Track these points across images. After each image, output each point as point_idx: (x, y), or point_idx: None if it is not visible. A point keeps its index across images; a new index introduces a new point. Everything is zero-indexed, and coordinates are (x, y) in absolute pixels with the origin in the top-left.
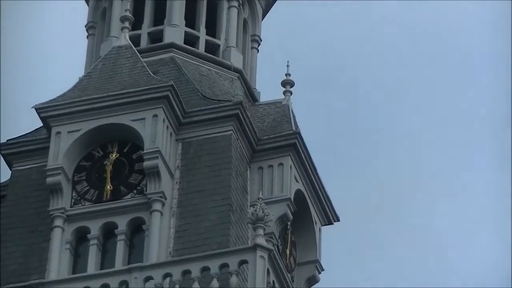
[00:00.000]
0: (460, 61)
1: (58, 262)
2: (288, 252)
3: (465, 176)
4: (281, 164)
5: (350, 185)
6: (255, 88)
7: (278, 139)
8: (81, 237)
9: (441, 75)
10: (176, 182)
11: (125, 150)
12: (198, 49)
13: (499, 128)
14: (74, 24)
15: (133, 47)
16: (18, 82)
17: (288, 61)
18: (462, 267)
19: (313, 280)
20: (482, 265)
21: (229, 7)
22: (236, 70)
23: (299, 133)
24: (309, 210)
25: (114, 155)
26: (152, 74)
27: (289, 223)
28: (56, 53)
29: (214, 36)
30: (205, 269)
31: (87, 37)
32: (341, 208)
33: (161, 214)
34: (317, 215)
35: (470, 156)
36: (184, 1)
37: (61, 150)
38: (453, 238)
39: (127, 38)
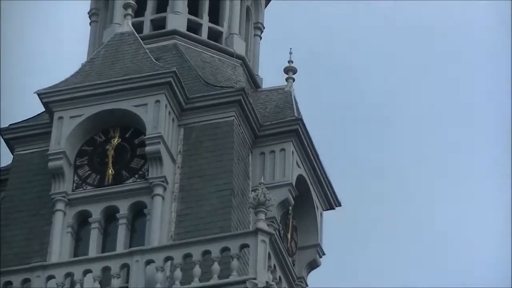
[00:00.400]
0: (460, 59)
1: (59, 245)
2: (289, 236)
3: (466, 162)
4: (283, 149)
5: (352, 171)
6: (258, 75)
7: (280, 125)
8: (83, 220)
9: (443, 75)
10: (178, 167)
11: (127, 135)
12: (201, 36)
13: (499, 125)
14: (77, 10)
15: (136, 34)
16: (21, 68)
17: (290, 48)
18: (461, 253)
19: (314, 264)
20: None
21: None
22: (238, 57)
23: (301, 119)
24: (311, 195)
25: (116, 140)
26: (154, 61)
27: (290, 208)
28: (59, 39)
29: (217, 23)
30: (206, 253)
31: (90, 23)
32: (343, 193)
33: (163, 198)
34: (319, 200)
35: (471, 147)
36: None
37: (63, 135)
38: (454, 226)
39: (130, 25)
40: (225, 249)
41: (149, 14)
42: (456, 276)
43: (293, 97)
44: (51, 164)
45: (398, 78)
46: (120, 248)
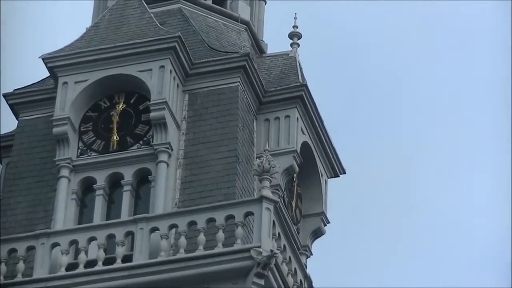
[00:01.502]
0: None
1: (64, 212)
2: (294, 204)
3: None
4: (287, 116)
5: (357, 138)
6: (263, 40)
7: (285, 91)
8: (87, 187)
9: (442, 76)
10: (183, 133)
11: (131, 101)
12: (205, 0)
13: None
14: None
15: None
16: (26, 32)
17: (295, 13)
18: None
19: (319, 232)
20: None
21: None
22: (243, 22)
23: (306, 85)
24: (315, 162)
25: (120, 105)
26: (159, 25)
27: (295, 175)
28: (64, 3)
29: None
30: (211, 221)
31: None
32: (348, 160)
33: (167, 165)
34: (323, 167)
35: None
36: None
37: (68, 100)
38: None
39: None
40: (229, 217)
41: None
42: (456, 239)
43: (297, 62)
44: (55, 130)
45: (404, 44)
46: (124, 215)
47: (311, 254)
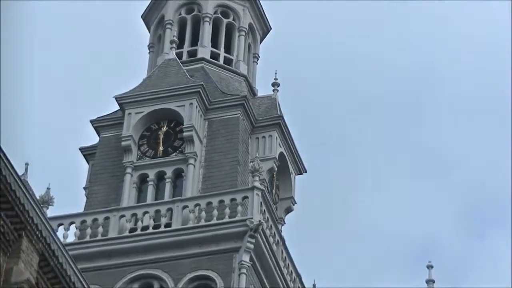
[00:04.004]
0: (458, 63)
1: (128, 195)
2: (274, 191)
3: None
4: (270, 135)
5: (316, 149)
6: (255, 87)
7: (268, 120)
8: (143, 179)
9: (437, 74)
10: (204, 146)
11: (172, 125)
12: (219, 61)
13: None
14: (144, 44)
15: (178, 60)
16: (104, 83)
17: (276, 70)
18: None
19: (289, 209)
20: None
21: (239, 36)
22: (243, 76)
23: (282, 116)
24: (288, 164)
25: (164, 128)
26: (189, 77)
27: (274, 173)
28: (130, 64)
29: (229, 53)
30: (221, 202)
31: (149, 53)
32: (309, 164)
33: (194, 166)
34: (293, 168)
35: None
36: (211, 31)
37: (131, 124)
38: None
39: (174, 54)
40: (233, 199)
41: (186, 47)
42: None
43: (277, 102)
44: (123, 143)
45: (364, 91)
46: (166, 197)
47: (284, 223)
